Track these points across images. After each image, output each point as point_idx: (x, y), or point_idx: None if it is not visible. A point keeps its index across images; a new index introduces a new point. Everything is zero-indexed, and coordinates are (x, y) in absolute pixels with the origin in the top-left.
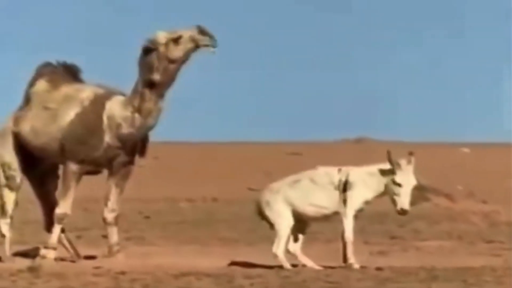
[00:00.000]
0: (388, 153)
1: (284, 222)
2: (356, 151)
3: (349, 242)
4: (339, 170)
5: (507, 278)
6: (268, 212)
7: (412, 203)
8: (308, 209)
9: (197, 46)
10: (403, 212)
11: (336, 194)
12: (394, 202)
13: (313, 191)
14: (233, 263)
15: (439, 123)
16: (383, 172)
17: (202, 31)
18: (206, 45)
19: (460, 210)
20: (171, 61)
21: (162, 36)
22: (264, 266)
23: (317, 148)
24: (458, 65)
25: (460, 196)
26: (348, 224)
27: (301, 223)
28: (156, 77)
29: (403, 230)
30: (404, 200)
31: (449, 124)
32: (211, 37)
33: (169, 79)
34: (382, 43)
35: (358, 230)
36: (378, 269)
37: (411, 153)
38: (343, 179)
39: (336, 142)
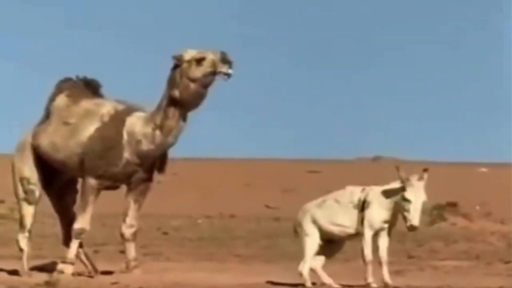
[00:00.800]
0: (397, 168)
1: (310, 242)
2: (374, 169)
3: (367, 261)
4: (363, 189)
5: None
6: (300, 232)
7: (431, 222)
8: (333, 229)
9: (215, 72)
10: (412, 228)
11: (355, 213)
12: (404, 218)
13: (336, 210)
14: (254, 282)
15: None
16: (396, 190)
17: (224, 59)
18: (224, 73)
19: (478, 230)
20: (191, 79)
21: (188, 54)
22: (282, 284)
23: (336, 166)
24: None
25: (478, 216)
26: (366, 244)
27: (333, 244)
28: (176, 93)
29: (421, 250)
30: (413, 216)
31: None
32: (230, 66)
33: (190, 98)
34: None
35: (376, 249)
36: None
37: (425, 170)
38: (362, 198)
39: (354, 160)
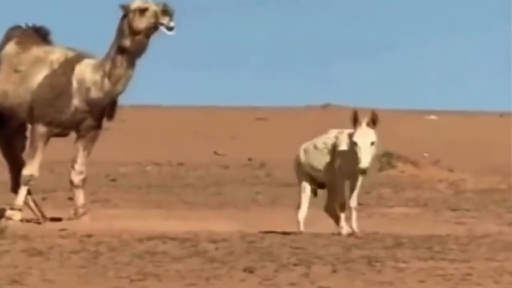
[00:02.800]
0: (354, 112)
1: (301, 187)
2: (323, 117)
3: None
4: (339, 133)
5: (472, 246)
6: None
7: (379, 169)
8: (314, 174)
9: (156, 24)
10: (361, 171)
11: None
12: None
13: (314, 155)
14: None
15: (406, 90)
16: (350, 135)
17: (164, 10)
18: (165, 26)
19: (426, 177)
20: (134, 31)
21: (134, 4)
22: (229, 231)
23: (284, 113)
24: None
25: (426, 163)
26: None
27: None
28: (126, 43)
29: (369, 197)
30: (361, 158)
31: (416, 90)
32: (171, 18)
33: (139, 48)
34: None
35: (325, 197)
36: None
37: (373, 113)
38: (332, 142)
39: (304, 107)
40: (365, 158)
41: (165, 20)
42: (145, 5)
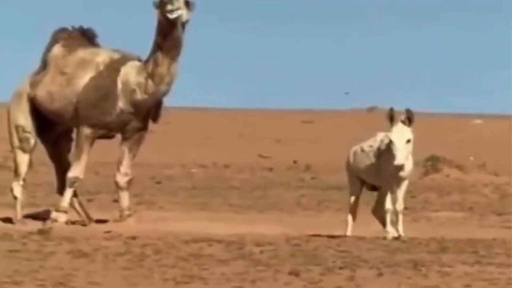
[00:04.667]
0: (390, 111)
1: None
2: (369, 120)
3: (385, 210)
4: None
5: None
6: None
7: (425, 173)
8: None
9: (164, 14)
10: (397, 168)
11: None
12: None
13: (361, 158)
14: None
15: (453, 93)
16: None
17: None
18: (167, 12)
19: (472, 181)
20: (161, 26)
21: None
22: (274, 234)
23: (330, 116)
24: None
25: (472, 167)
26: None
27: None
28: (158, 39)
29: (414, 201)
30: (396, 156)
31: (462, 94)
32: (170, 2)
33: (170, 43)
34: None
35: (371, 201)
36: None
37: (408, 111)
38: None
39: (349, 110)
40: (400, 155)
41: (167, 5)
42: None
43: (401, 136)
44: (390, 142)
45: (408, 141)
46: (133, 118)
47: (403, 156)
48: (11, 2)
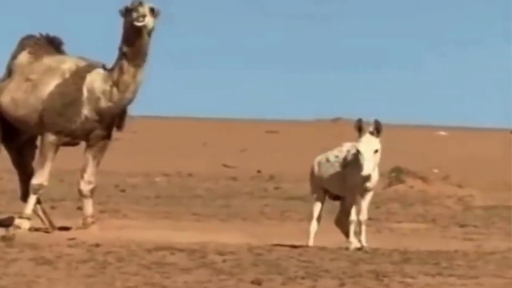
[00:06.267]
0: (359, 121)
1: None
2: (333, 131)
3: (350, 221)
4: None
5: (480, 263)
6: None
7: (388, 184)
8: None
9: (131, 22)
10: (364, 178)
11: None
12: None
13: (326, 168)
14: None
15: (417, 106)
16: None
17: (133, 3)
18: (133, 20)
19: (435, 193)
20: (126, 34)
21: (130, 5)
22: (237, 243)
23: (294, 126)
24: (439, 49)
25: (436, 179)
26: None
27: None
28: (123, 47)
29: (378, 212)
30: (364, 165)
31: (427, 106)
32: (135, 10)
33: (134, 51)
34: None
35: (334, 211)
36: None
37: (377, 122)
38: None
39: (314, 121)
40: (367, 165)
41: (132, 13)
42: (127, 5)
43: (369, 146)
44: (358, 152)
45: (376, 151)
46: (98, 125)
47: (371, 166)
48: None
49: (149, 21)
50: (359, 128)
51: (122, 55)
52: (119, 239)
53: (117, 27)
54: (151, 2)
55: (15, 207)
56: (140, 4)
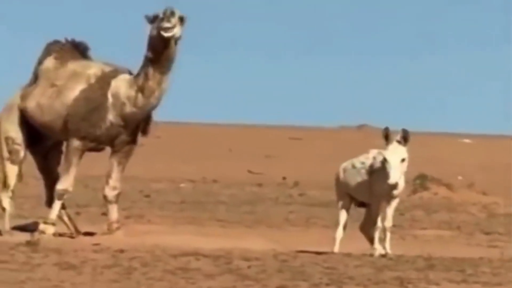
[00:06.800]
0: (386, 130)
1: (339, 206)
2: (358, 137)
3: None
4: (378, 153)
5: (504, 270)
6: None
7: (413, 191)
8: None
9: (159, 29)
10: (391, 186)
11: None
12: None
13: (353, 175)
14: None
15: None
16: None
17: (164, 13)
18: (161, 29)
19: (460, 200)
20: (152, 41)
21: (151, 13)
22: (262, 249)
23: (318, 133)
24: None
25: (460, 186)
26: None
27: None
28: (149, 54)
29: (402, 219)
30: (391, 174)
31: (452, 114)
32: (167, 20)
33: (161, 58)
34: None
35: (358, 218)
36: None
37: (404, 130)
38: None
39: (338, 128)
40: (394, 173)
41: (163, 23)
42: (157, 13)
43: (396, 155)
44: (385, 160)
45: (403, 160)
46: (123, 131)
47: (398, 175)
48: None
49: (177, 30)
50: (386, 137)
51: (148, 61)
52: (143, 245)
53: (142, 31)
54: (179, 10)
55: (39, 212)
56: (172, 14)
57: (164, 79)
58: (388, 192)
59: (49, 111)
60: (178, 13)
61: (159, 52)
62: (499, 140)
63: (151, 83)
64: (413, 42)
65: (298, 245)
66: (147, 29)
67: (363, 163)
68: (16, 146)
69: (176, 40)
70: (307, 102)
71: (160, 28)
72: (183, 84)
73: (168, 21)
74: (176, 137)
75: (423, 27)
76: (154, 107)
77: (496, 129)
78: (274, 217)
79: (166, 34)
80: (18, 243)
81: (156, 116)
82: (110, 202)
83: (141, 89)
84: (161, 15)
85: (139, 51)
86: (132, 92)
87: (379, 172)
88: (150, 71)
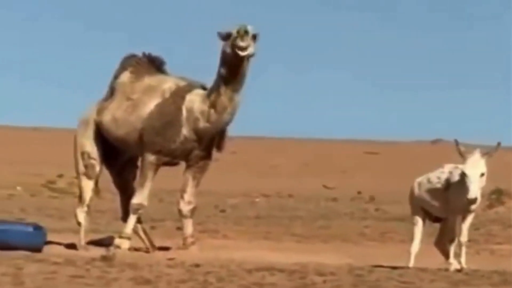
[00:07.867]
0: (456, 141)
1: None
2: (433, 152)
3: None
4: (455, 168)
5: None
6: None
7: (488, 206)
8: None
9: (233, 47)
10: (470, 201)
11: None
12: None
13: (427, 189)
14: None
15: None
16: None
17: (238, 32)
18: (237, 47)
19: None
20: (225, 58)
21: (225, 30)
22: (337, 264)
23: (394, 148)
24: None
25: None
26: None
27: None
28: (222, 70)
29: (478, 233)
30: (470, 188)
31: None
32: (241, 39)
33: (234, 75)
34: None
35: (432, 233)
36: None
37: (499, 144)
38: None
39: (413, 142)
40: (474, 188)
41: (237, 41)
42: (230, 30)
43: (475, 169)
44: (464, 175)
45: (482, 174)
46: (197, 145)
47: (477, 189)
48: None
49: (252, 49)
50: (460, 152)
51: (221, 78)
52: (218, 259)
53: (215, 47)
54: (252, 28)
55: (115, 227)
56: (246, 32)
57: (236, 96)
58: (465, 206)
59: (124, 125)
60: (251, 31)
61: (233, 69)
62: None
63: (223, 100)
64: (490, 49)
65: (373, 259)
66: (219, 46)
67: (438, 177)
68: (92, 161)
69: (249, 57)
70: (382, 117)
71: (235, 46)
72: (257, 98)
73: (243, 40)
74: (251, 152)
75: (501, 32)
76: (227, 123)
77: None
78: (349, 231)
79: (241, 53)
80: (94, 258)
81: (232, 131)
82: (185, 216)
83: (213, 105)
84: (234, 34)
85: (213, 65)
86: (205, 107)
87: (456, 186)
88: (223, 87)
